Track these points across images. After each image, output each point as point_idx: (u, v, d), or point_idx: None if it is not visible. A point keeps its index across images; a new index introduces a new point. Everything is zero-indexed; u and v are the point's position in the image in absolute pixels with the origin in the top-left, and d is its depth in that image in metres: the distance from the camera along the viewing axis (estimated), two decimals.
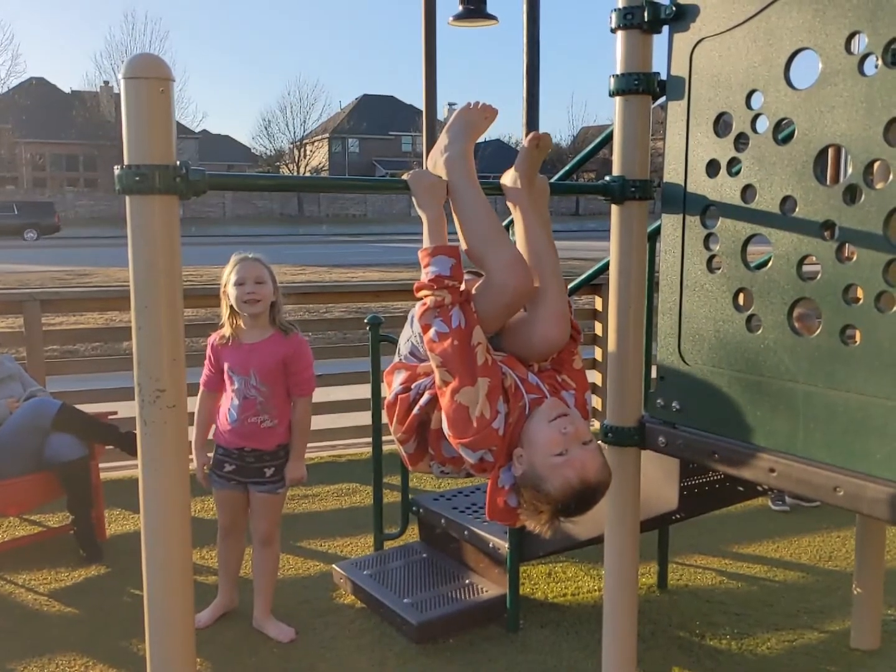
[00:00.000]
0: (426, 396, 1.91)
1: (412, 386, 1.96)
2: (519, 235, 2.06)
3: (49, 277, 16.53)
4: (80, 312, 9.80)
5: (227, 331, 3.36)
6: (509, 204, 2.07)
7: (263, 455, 3.38)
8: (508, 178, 2.08)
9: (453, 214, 1.98)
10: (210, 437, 3.50)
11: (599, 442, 2.28)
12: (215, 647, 3.29)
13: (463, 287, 1.87)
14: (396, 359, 2.11)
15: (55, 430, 4.06)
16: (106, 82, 49.83)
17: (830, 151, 1.83)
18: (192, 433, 3.32)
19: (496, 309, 1.88)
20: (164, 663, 1.75)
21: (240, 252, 3.38)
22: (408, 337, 2.08)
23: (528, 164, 2.06)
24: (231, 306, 3.31)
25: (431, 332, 1.83)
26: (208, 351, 3.44)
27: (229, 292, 3.29)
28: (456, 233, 2.01)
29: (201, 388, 3.48)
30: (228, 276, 3.30)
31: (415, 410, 1.92)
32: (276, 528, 3.51)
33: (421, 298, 1.88)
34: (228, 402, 3.37)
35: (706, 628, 3.49)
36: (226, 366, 3.36)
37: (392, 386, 2.01)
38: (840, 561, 4.16)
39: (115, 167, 1.61)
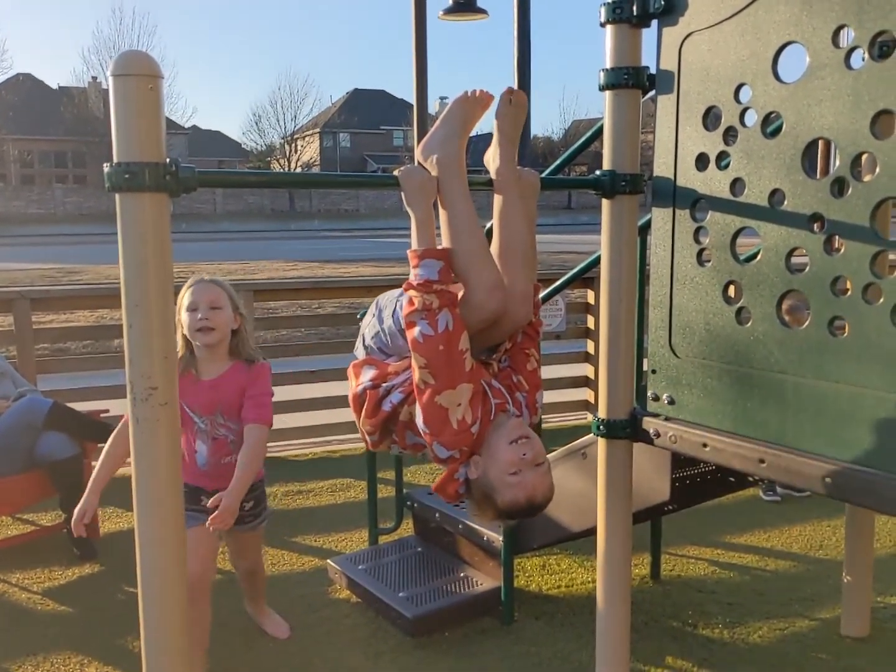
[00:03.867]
0: (397, 395, 1.96)
1: (381, 385, 1.99)
2: (496, 215, 2.08)
3: (39, 275, 16.45)
4: (71, 311, 9.75)
5: (181, 362, 2.87)
6: (494, 185, 2.08)
7: None
8: (490, 152, 2.11)
9: (440, 216, 2.00)
10: None
11: (595, 437, 2.29)
12: (211, 642, 3.28)
13: (451, 290, 1.89)
14: (361, 351, 2.14)
15: (47, 428, 4.06)
16: (94, 78, 49.46)
17: (820, 144, 1.84)
18: (95, 470, 2.88)
19: (470, 322, 1.91)
20: (160, 661, 1.75)
21: (198, 274, 3.06)
22: (375, 331, 2.10)
23: (507, 122, 2.09)
24: (185, 335, 2.92)
25: (416, 331, 1.85)
26: None
27: (182, 319, 2.90)
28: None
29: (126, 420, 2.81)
30: (181, 301, 2.91)
31: (385, 408, 1.97)
32: (260, 557, 3.33)
33: (409, 298, 1.89)
34: (192, 444, 2.98)
35: (699, 618, 3.51)
36: (182, 404, 2.79)
37: (359, 379, 2.05)
38: (830, 550, 4.19)
39: (105, 165, 1.61)
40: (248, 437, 2.92)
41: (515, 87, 5.16)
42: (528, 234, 2.07)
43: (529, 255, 2.06)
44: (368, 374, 2.03)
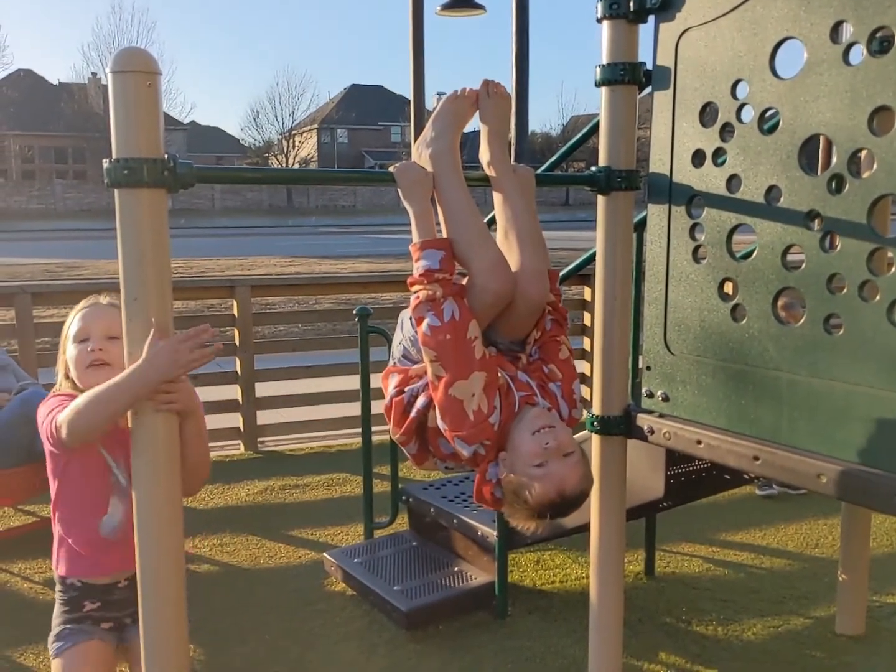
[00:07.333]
0: (422, 399, 1.93)
1: (405, 389, 1.98)
2: (497, 207, 2.07)
3: (40, 270, 16.44)
4: (71, 305, 9.70)
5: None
6: (490, 180, 2.08)
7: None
8: (481, 149, 2.11)
9: (438, 208, 2.00)
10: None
11: (590, 433, 2.30)
12: (206, 635, 3.30)
13: (456, 280, 1.89)
14: (390, 363, 2.13)
15: None
16: (94, 74, 49.45)
17: (822, 139, 1.84)
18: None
19: (478, 308, 1.90)
20: (157, 650, 1.76)
21: (94, 295, 2.43)
22: (399, 340, 2.10)
23: (490, 115, 2.08)
24: (70, 377, 2.29)
25: (424, 325, 1.84)
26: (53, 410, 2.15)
27: (67, 353, 2.30)
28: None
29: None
30: (66, 330, 2.33)
31: (412, 413, 1.94)
32: None
33: (415, 293, 1.89)
34: (101, 504, 2.26)
35: (693, 615, 3.52)
36: (98, 448, 2.23)
37: (387, 390, 2.04)
38: (826, 548, 4.19)
39: (104, 160, 1.62)
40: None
41: (514, 82, 5.19)
42: (530, 216, 2.05)
43: (534, 234, 2.04)
44: (393, 382, 2.02)
